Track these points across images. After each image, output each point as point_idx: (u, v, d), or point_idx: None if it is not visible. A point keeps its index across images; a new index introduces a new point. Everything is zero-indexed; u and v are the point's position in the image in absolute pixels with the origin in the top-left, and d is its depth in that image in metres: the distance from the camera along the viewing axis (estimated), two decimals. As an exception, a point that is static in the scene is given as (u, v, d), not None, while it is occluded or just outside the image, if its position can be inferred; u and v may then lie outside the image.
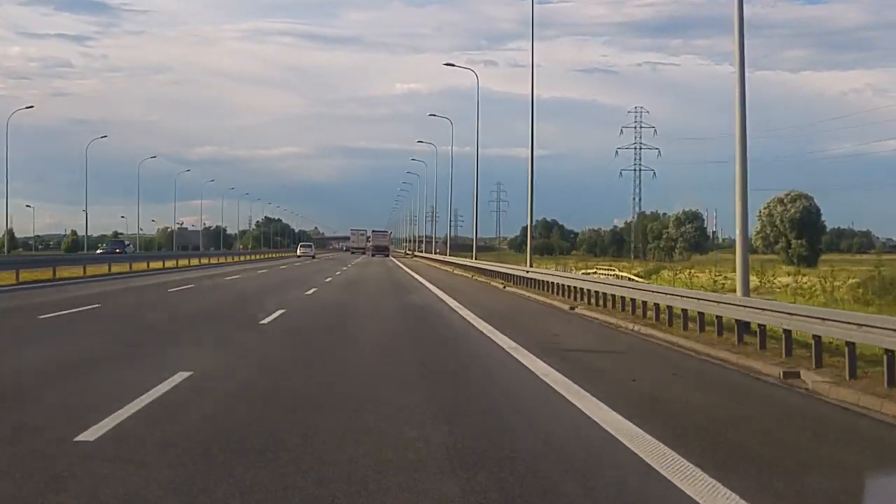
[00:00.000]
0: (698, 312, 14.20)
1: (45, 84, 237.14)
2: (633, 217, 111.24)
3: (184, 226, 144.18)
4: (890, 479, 5.32)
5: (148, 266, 47.83)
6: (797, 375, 10.08)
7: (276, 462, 5.81)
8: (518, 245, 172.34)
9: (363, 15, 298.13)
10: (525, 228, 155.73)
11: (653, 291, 17.42)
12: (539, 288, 27.83)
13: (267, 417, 7.47)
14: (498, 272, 39.11)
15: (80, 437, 6.42)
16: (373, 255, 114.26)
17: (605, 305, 19.66)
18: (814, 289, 21.20)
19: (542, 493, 5.26)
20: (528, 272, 31.34)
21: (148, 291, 27.20)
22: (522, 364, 10.94)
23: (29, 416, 7.42)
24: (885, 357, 9.03)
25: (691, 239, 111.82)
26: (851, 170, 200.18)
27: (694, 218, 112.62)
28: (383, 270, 54.41)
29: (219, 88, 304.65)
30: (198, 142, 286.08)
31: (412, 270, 53.25)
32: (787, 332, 11.26)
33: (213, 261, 70.03)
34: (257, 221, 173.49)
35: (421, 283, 36.34)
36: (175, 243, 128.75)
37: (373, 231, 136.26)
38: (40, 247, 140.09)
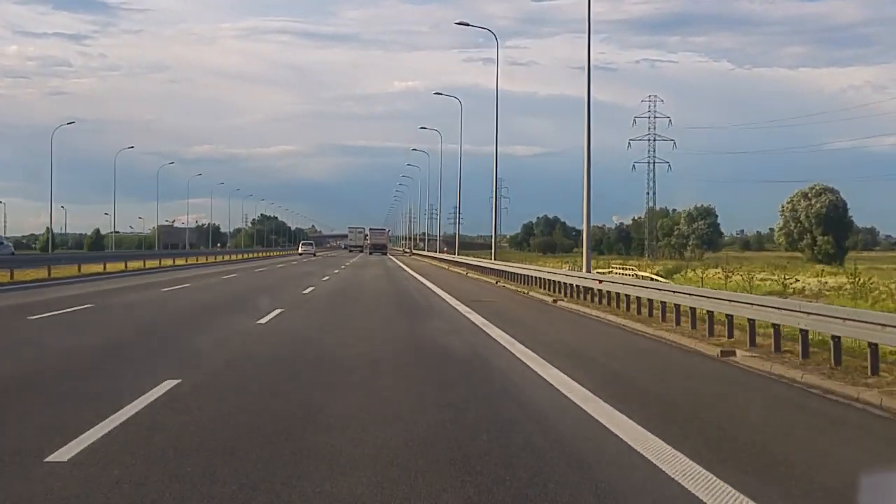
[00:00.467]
0: None
1: (42, 83, 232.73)
2: (647, 212, 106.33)
3: (174, 223, 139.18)
4: (887, 476, 5.43)
5: (79, 269, 40.51)
6: None
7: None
8: (519, 243, 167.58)
9: (361, 12, 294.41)
10: (526, 226, 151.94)
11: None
12: (612, 305, 20.53)
13: None
14: (536, 278, 30.19)
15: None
16: (370, 254, 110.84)
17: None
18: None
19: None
20: (601, 282, 22.70)
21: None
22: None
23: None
24: None
25: (703, 236, 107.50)
26: (850, 165, 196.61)
27: (706, 214, 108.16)
28: (383, 273, 48.96)
29: (216, 87, 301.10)
30: (195, 140, 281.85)
31: (418, 273, 47.66)
32: None
33: (180, 262, 60.95)
34: (253, 219, 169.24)
35: (438, 295, 27.64)
36: (162, 241, 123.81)
37: (370, 229, 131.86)
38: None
